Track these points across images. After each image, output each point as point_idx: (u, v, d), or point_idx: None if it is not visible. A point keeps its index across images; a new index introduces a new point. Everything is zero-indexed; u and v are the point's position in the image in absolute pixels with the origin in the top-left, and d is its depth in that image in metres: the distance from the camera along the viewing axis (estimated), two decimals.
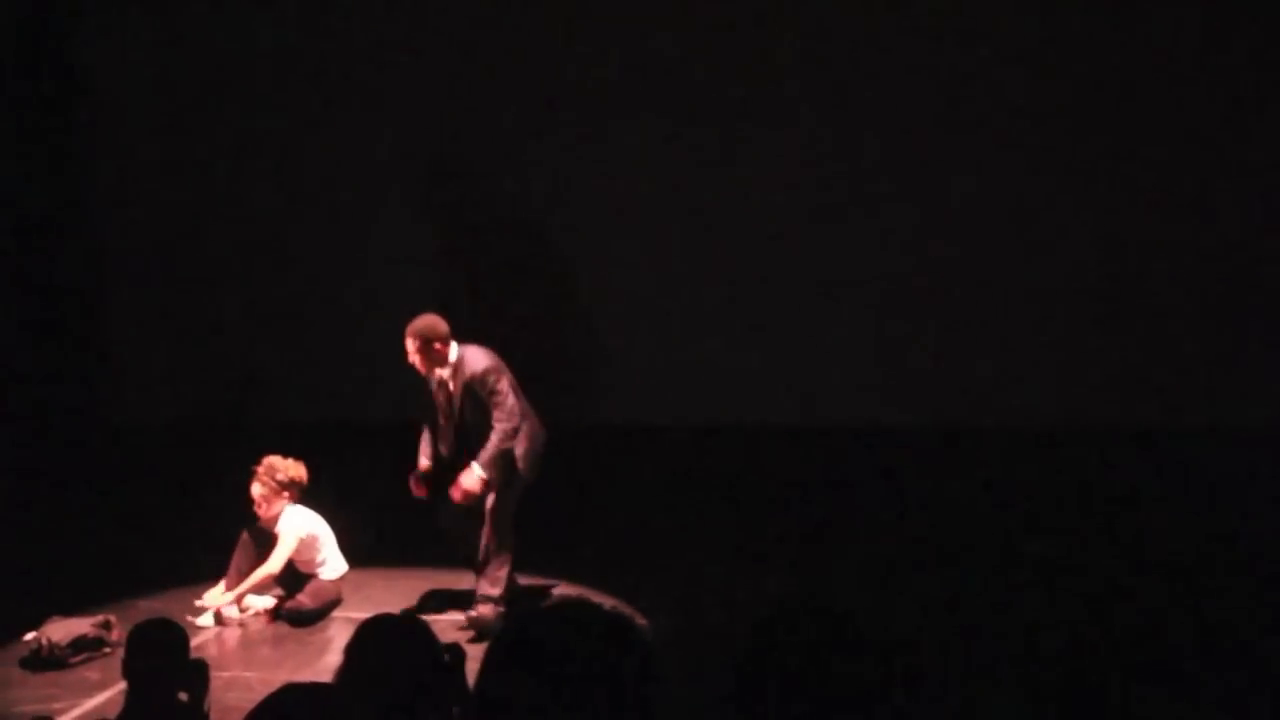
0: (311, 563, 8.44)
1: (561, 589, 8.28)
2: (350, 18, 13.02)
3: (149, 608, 8.25)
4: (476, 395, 7.83)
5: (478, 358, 7.86)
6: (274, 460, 8.42)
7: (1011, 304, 12.35)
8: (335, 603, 8.43)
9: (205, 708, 4.73)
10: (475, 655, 4.02)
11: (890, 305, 12.49)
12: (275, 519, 8.40)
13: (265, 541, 8.42)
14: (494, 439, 7.76)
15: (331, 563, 8.49)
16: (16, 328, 12.69)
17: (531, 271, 13.05)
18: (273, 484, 8.36)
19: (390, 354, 8.05)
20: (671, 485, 11.12)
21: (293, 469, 8.44)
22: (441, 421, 8.05)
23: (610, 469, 11.49)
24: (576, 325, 13.00)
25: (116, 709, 6.47)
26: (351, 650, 3.84)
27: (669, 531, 9.98)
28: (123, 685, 6.75)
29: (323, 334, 13.17)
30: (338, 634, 8.11)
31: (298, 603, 8.32)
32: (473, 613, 7.87)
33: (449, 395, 7.96)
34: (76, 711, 6.77)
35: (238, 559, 8.40)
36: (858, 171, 12.44)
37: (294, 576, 8.41)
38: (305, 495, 8.48)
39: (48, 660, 7.37)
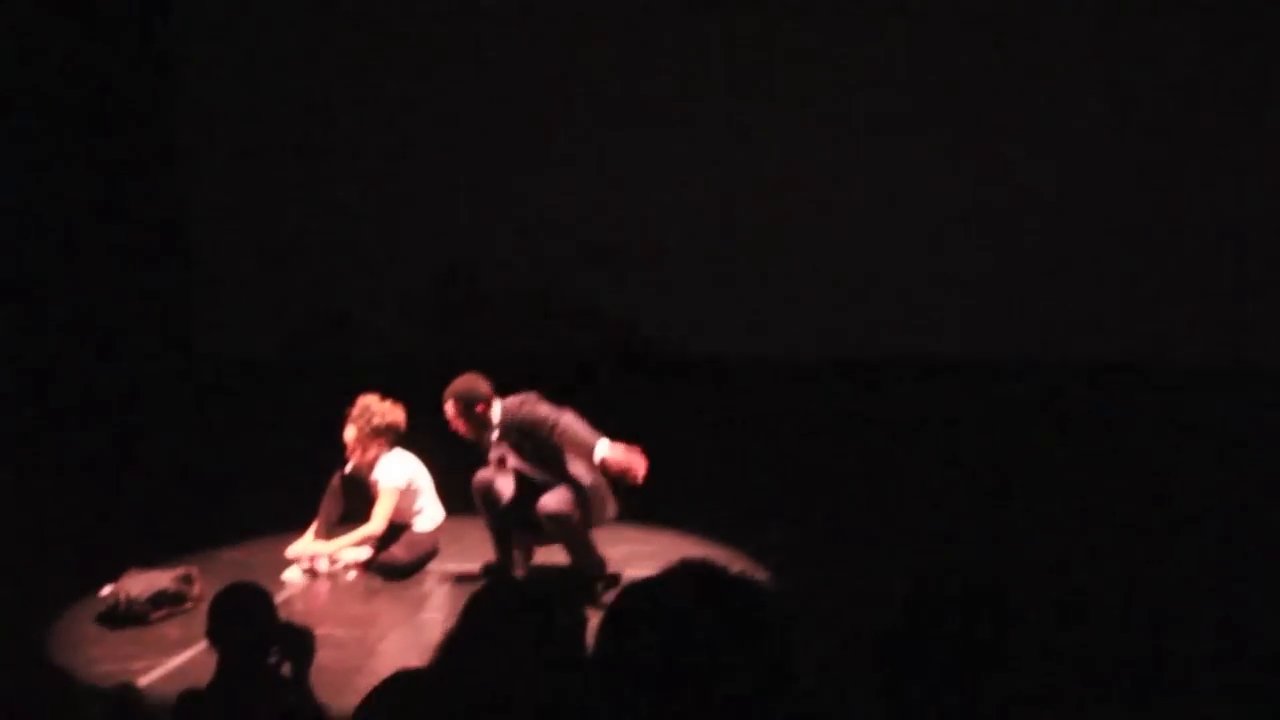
0: (408, 512, 7.90)
1: (678, 548, 7.72)
2: None
3: (232, 559, 7.88)
4: (539, 445, 7.26)
5: (529, 406, 7.32)
6: (369, 402, 7.86)
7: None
8: (431, 554, 7.91)
9: (309, 679, 4.24)
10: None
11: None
12: (369, 465, 7.88)
13: (357, 489, 7.89)
14: (565, 437, 7.15)
15: (429, 512, 7.96)
16: (106, 258, 12.56)
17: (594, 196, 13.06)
18: (368, 429, 7.82)
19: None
20: (748, 426, 10.89)
21: (389, 413, 7.87)
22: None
23: (692, 410, 11.29)
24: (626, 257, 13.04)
25: (200, 669, 6.10)
26: (465, 619, 3.37)
27: (765, 478, 9.69)
28: (206, 643, 6.42)
29: (416, 267, 13.25)
30: (434, 588, 7.64)
31: (391, 555, 7.79)
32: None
33: (501, 449, 7.47)
34: (158, 672, 6.30)
35: (327, 507, 7.88)
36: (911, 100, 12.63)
37: (388, 526, 7.88)
38: (402, 439, 7.95)
39: (126, 616, 6.89)
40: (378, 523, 7.76)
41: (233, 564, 7.77)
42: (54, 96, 12.17)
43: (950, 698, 2.58)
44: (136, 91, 13.06)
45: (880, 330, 12.71)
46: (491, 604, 3.49)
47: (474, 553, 7.78)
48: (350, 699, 5.69)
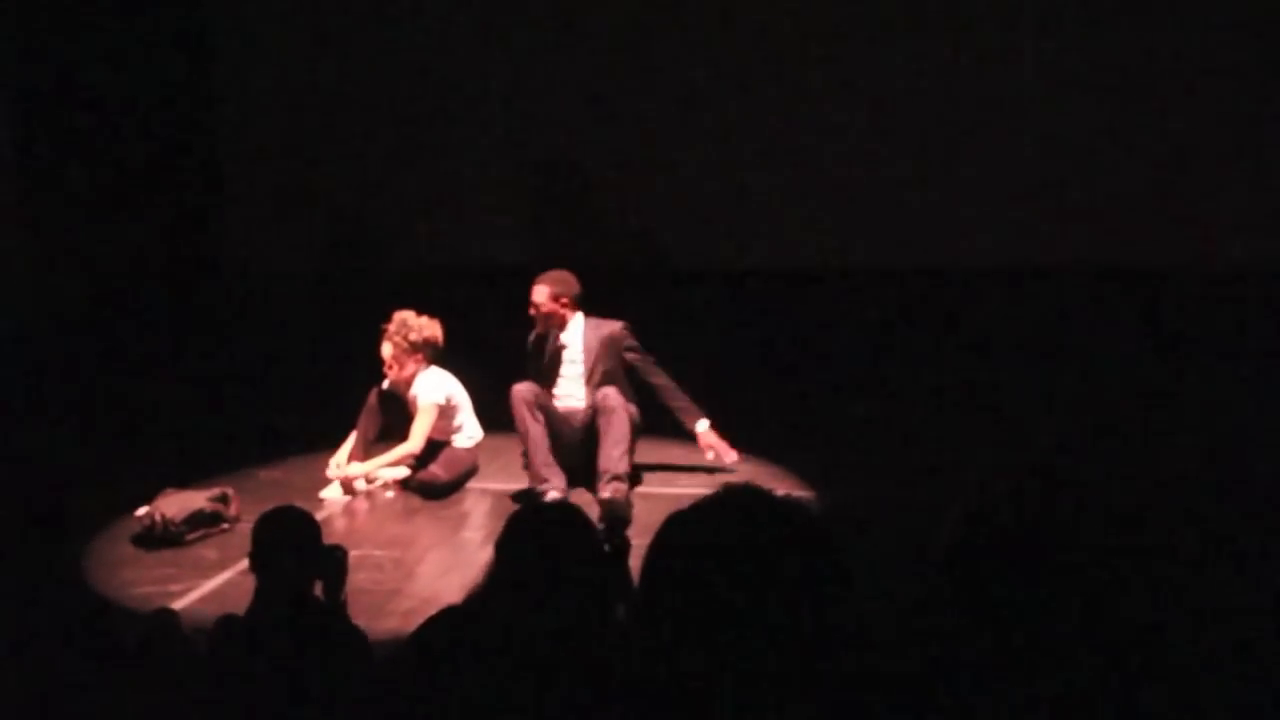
0: (446, 429, 7.80)
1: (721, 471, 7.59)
2: None
3: (269, 478, 7.82)
4: (616, 361, 7.58)
5: (615, 323, 7.66)
6: (406, 317, 7.74)
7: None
8: (471, 472, 7.82)
9: (341, 598, 4.15)
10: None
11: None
12: (407, 381, 7.76)
13: (394, 405, 7.79)
14: (679, 395, 7.60)
15: (468, 429, 7.86)
16: (141, 175, 12.48)
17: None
18: (405, 344, 7.70)
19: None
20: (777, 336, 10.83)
21: (427, 328, 7.75)
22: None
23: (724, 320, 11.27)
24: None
25: (237, 590, 6.04)
26: (504, 545, 3.27)
27: (794, 391, 9.59)
28: (243, 565, 6.34)
29: (447, 179, 13.14)
30: (473, 507, 7.54)
31: (431, 474, 7.69)
32: (604, 494, 7.13)
33: (559, 358, 7.68)
34: (195, 594, 6.23)
35: (364, 424, 7.79)
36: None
37: (427, 444, 7.78)
38: (440, 355, 7.84)
39: (162, 538, 6.80)
40: (416, 440, 7.66)
41: (269, 483, 7.72)
42: (88, 21, 12.04)
43: (1030, 597, 2.44)
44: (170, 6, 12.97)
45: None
46: (529, 527, 3.38)
47: (513, 471, 7.65)
48: (387, 622, 5.69)
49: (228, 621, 3.97)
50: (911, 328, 11.03)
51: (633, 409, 7.48)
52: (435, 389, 7.73)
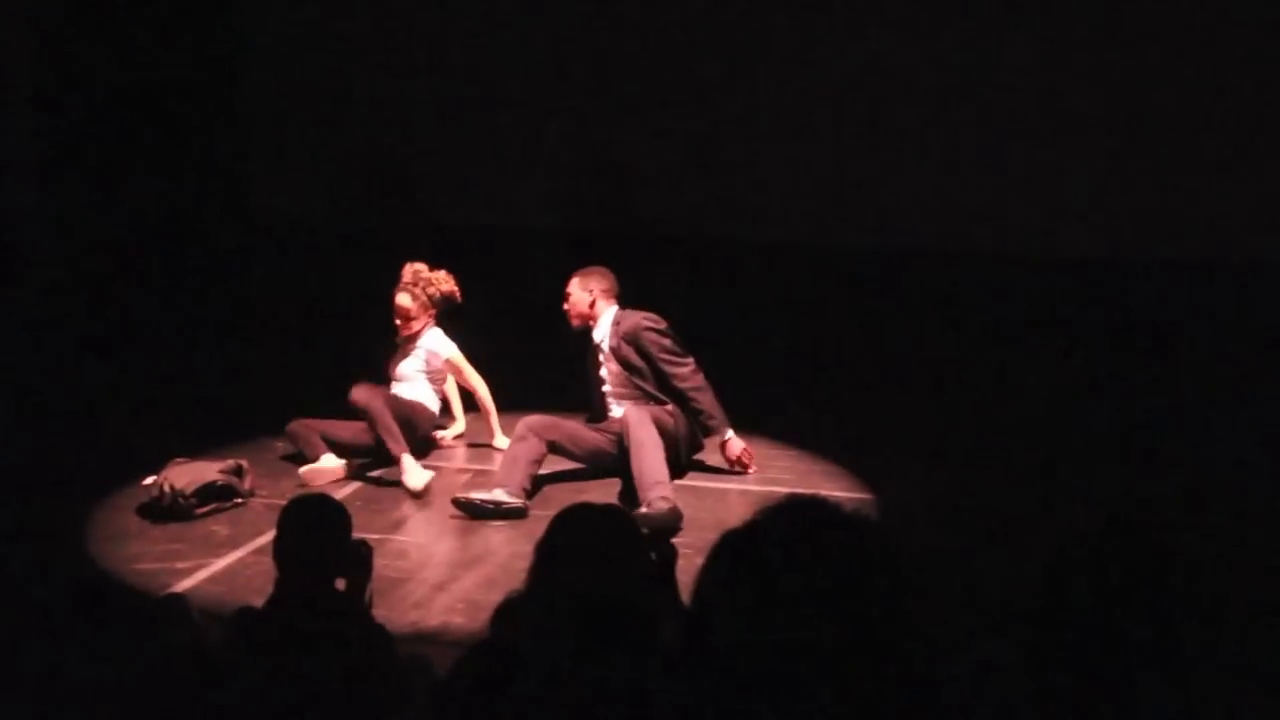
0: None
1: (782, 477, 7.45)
2: None
3: (285, 450, 7.64)
4: (640, 355, 7.39)
5: (640, 314, 7.49)
6: (421, 269, 7.64)
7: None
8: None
9: (368, 596, 4.04)
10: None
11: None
12: (415, 338, 7.64)
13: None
14: (699, 399, 7.33)
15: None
16: (160, 123, 12.54)
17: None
18: (424, 297, 7.59)
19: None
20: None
21: (444, 281, 7.66)
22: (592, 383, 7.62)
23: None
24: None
25: (250, 571, 5.95)
26: (545, 548, 3.15)
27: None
28: (256, 544, 6.25)
29: (470, 133, 13.32)
30: None
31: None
32: (641, 510, 6.68)
33: (597, 357, 7.54)
34: (203, 573, 6.06)
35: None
36: None
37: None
38: (454, 312, 7.76)
39: (170, 510, 6.63)
40: (482, 384, 7.79)
41: (287, 456, 7.55)
42: None
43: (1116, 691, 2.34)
44: None
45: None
46: (571, 526, 3.27)
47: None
48: (408, 615, 5.58)
49: (246, 615, 3.86)
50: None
51: (660, 409, 7.26)
52: (448, 343, 7.72)
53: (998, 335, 10.17)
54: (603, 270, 7.60)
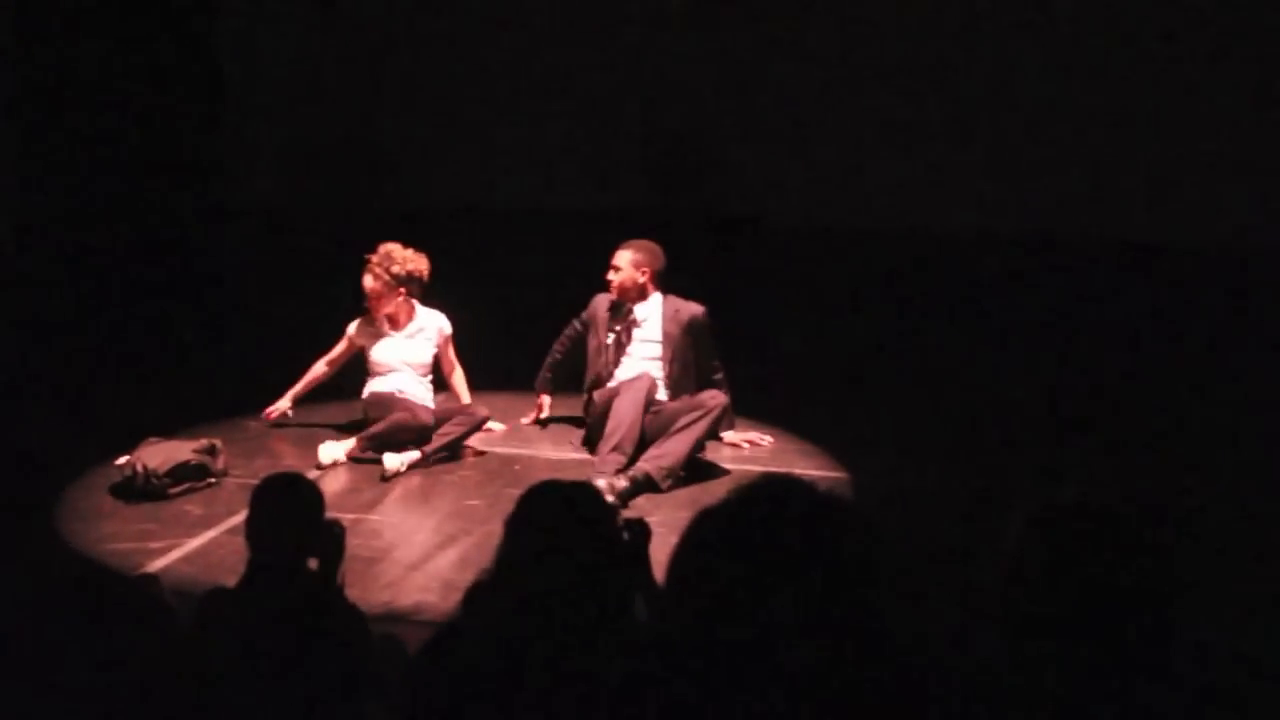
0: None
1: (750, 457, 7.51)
2: None
3: (259, 429, 7.69)
4: (693, 345, 7.55)
5: (694, 305, 7.59)
6: (392, 249, 7.57)
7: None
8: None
9: (340, 576, 4.08)
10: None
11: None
12: (391, 319, 7.63)
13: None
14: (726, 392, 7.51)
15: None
16: (138, 109, 12.57)
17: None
18: (387, 276, 7.53)
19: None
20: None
21: (411, 260, 7.59)
22: (604, 358, 7.65)
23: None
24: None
25: (222, 551, 5.98)
26: (514, 524, 3.19)
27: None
28: (229, 524, 6.28)
29: (450, 116, 13.50)
30: (477, 469, 7.37)
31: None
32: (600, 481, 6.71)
33: (630, 331, 7.60)
34: (176, 553, 6.08)
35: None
36: None
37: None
38: (425, 292, 7.71)
39: (143, 490, 6.65)
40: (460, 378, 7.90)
41: (259, 434, 7.61)
42: None
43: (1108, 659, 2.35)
44: None
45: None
46: (539, 503, 3.30)
47: (526, 435, 7.74)
48: (381, 595, 5.61)
49: (216, 596, 3.90)
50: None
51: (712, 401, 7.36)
52: (440, 318, 7.74)
53: (982, 319, 10.28)
54: (655, 248, 7.63)
